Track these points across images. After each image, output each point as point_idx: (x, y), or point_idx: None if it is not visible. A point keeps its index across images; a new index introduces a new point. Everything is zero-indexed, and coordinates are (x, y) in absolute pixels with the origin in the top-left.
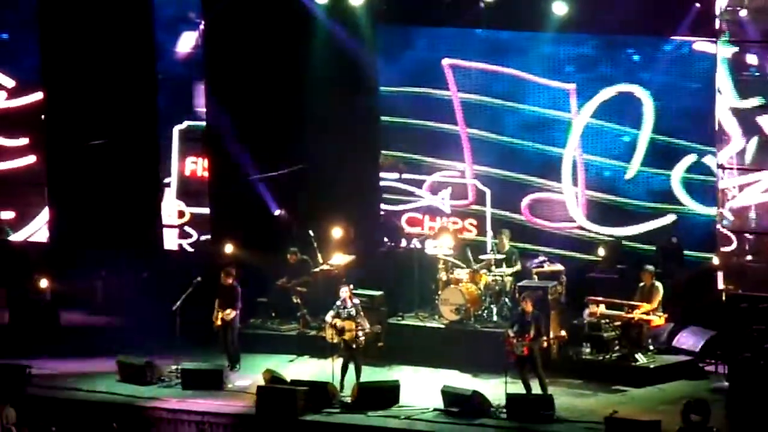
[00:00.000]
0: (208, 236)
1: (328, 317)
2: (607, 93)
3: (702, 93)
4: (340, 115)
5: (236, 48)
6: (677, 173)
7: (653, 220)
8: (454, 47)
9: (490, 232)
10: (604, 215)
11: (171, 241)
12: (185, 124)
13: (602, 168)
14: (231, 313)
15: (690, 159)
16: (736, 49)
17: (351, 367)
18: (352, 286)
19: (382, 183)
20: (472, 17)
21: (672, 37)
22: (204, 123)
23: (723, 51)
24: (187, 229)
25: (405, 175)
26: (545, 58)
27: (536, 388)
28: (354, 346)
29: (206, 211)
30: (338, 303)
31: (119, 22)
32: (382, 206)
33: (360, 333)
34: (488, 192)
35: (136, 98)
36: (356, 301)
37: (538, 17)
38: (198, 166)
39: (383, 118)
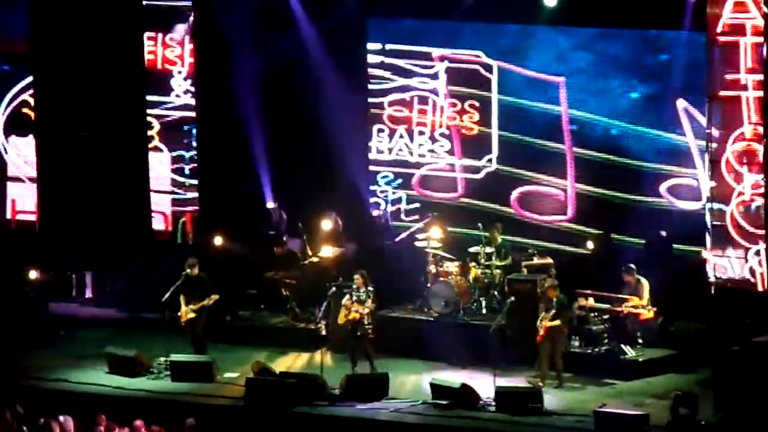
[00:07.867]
0: (185, 153)
1: (345, 300)
2: None
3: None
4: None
5: None
6: None
7: None
8: (445, 40)
9: (495, 124)
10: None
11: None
12: None
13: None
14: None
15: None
16: None
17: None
18: (364, 272)
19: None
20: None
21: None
22: None
23: None
24: (158, 143)
25: (389, 45)
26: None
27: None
28: (359, 333)
29: (173, 113)
30: (354, 287)
31: None
32: (369, 96)
33: (365, 318)
34: (495, 67)
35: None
36: (370, 288)
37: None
38: (157, 55)
39: (373, 110)
